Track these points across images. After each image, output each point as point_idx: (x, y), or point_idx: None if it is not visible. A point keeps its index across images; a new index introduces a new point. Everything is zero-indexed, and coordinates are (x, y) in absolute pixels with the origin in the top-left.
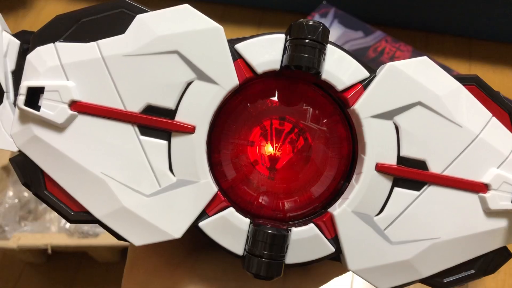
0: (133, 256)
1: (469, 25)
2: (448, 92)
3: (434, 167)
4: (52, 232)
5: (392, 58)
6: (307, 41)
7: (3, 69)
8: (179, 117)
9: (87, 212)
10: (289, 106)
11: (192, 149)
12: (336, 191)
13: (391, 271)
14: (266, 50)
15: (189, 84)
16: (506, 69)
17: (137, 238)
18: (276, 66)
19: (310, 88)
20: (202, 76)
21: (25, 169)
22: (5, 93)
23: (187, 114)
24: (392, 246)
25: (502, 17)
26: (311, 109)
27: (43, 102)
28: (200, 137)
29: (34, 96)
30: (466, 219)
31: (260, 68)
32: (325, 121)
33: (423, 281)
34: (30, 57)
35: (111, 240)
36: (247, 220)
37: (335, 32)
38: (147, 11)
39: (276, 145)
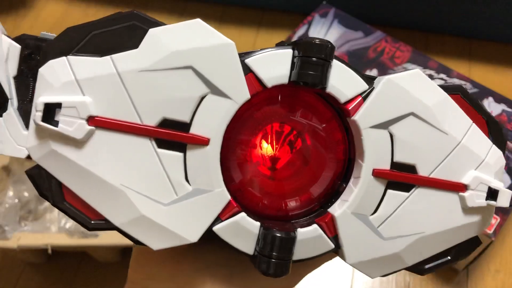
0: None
1: (469, 25)
2: (437, 102)
3: (422, 171)
4: (52, 232)
5: (392, 58)
6: (314, 59)
7: (5, 75)
8: (194, 130)
9: (106, 220)
10: (291, 111)
11: (207, 160)
12: (333, 191)
13: (382, 263)
14: (275, 65)
15: (202, 98)
16: (506, 69)
17: (155, 243)
18: (285, 80)
19: (311, 96)
20: (215, 90)
21: (42, 181)
22: (9, 100)
23: (202, 127)
24: (384, 241)
25: (502, 17)
26: (311, 114)
27: (60, 118)
28: (214, 149)
29: (50, 110)
30: (447, 215)
31: (270, 83)
32: (323, 126)
33: (407, 268)
34: (43, 70)
35: (111, 240)
36: (258, 224)
37: (335, 32)
38: (159, 24)
39: (276, 146)
